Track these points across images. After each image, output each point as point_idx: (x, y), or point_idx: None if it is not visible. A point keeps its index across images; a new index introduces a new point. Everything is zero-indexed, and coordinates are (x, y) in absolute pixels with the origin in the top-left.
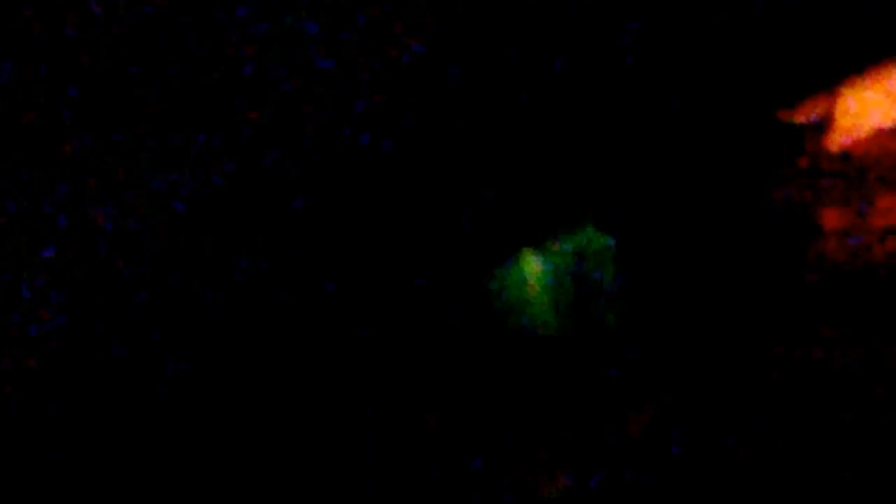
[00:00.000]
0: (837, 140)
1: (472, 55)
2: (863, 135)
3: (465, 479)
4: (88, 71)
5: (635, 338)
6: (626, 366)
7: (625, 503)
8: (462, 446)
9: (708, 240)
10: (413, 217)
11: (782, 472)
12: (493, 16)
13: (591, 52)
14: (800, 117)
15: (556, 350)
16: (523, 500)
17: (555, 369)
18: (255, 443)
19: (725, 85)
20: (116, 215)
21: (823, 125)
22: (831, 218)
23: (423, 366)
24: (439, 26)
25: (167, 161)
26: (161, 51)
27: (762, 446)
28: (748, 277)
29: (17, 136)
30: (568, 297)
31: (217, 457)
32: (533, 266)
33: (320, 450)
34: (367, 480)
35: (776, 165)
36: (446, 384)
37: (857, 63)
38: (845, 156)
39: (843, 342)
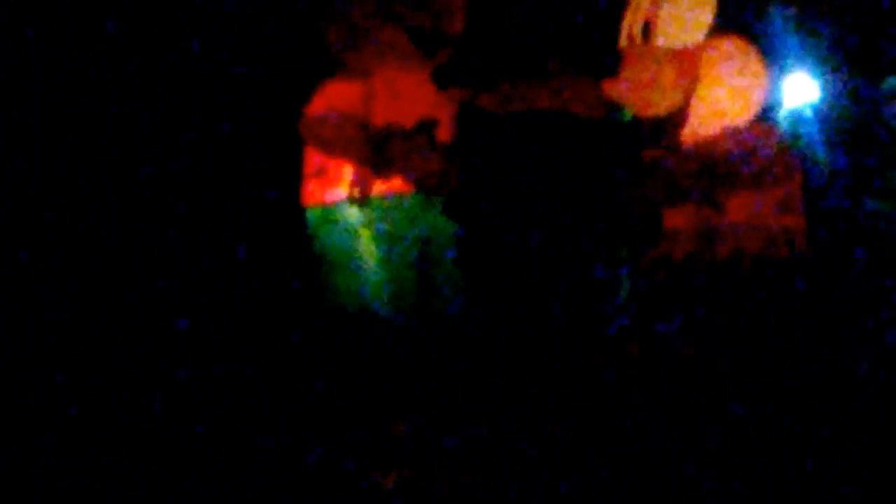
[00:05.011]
0: (691, 135)
1: None
2: (715, 132)
3: None
4: None
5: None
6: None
7: None
8: None
9: (557, 232)
10: None
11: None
12: None
13: None
14: (657, 111)
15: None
16: None
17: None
18: None
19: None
20: None
21: (678, 120)
22: (682, 216)
23: None
24: None
25: None
26: None
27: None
28: (592, 273)
29: None
30: (412, 280)
31: None
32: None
33: None
34: None
35: (633, 160)
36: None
37: None
38: (698, 152)
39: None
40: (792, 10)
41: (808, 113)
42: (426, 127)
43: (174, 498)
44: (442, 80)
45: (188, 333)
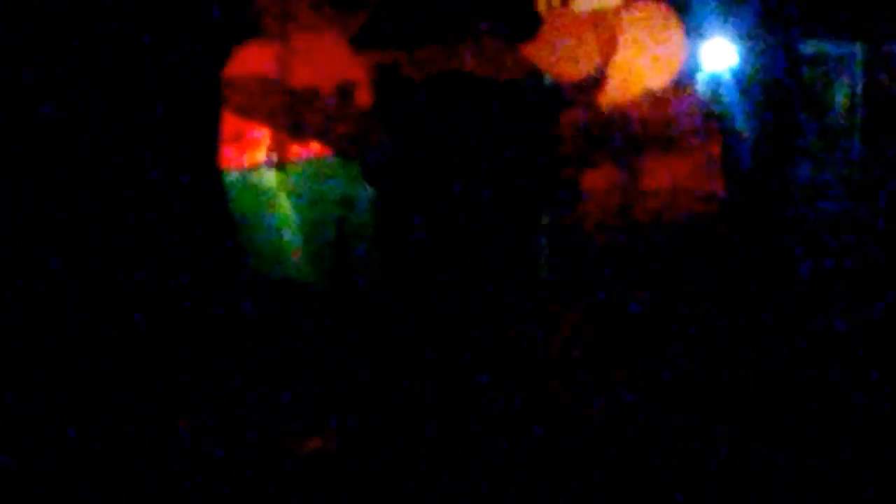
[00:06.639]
0: (609, 98)
1: None
2: (633, 95)
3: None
4: None
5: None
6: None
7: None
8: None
9: (476, 195)
10: None
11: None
12: None
13: None
14: (576, 74)
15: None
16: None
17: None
18: None
19: None
20: None
21: (597, 83)
22: (601, 179)
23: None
24: None
25: None
26: None
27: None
28: (508, 234)
29: None
30: (330, 243)
31: None
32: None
33: None
34: None
35: (552, 123)
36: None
37: None
38: (617, 115)
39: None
40: None
41: (727, 77)
42: (344, 90)
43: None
44: (360, 42)
45: (104, 297)
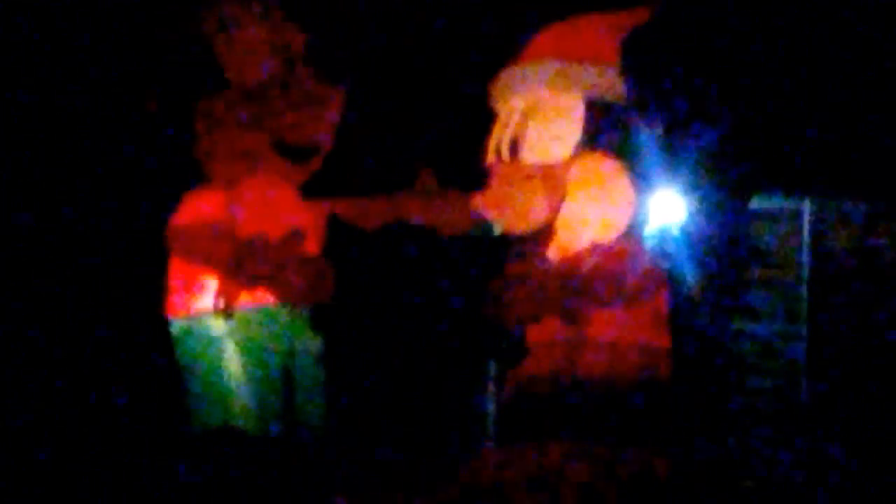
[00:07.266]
0: (557, 250)
1: None
2: (581, 248)
3: None
4: None
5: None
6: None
7: None
8: None
9: (423, 346)
10: None
11: None
12: None
13: None
14: (524, 227)
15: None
16: None
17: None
18: None
19: None
20: None
21: (545, 236)
22: (547, 332)
23: None
24: None
25: None
26: None
27: None
28: (454, 386)
29: None
30: (276, 393)
31: None
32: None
33: None
34: None
35: (499, 274)
36: None
37: None
38: (564, 268)
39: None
40: (659, 129)
41: (675, 231)
42: (293, 238)
43: None
44: (309, 191)
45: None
